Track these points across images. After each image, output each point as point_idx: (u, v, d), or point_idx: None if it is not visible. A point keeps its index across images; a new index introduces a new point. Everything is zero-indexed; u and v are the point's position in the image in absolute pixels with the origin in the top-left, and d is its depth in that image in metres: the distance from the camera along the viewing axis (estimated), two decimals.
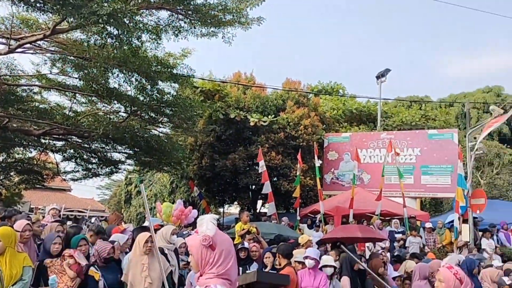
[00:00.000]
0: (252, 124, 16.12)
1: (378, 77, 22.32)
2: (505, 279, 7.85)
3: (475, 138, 13.71)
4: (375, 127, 21.88)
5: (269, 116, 16.43)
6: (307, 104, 18.47)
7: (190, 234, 4.02)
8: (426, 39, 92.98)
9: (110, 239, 5.84)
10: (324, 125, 19.48)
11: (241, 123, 16.63)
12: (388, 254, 11.04)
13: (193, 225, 11.34)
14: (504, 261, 10.79)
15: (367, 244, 11.04)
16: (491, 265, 9.03)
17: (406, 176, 16.43)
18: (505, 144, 29.76)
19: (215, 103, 16.63)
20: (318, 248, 8.10)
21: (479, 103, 32.06)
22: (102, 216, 23.94)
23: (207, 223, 2.37)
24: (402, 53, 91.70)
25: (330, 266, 6.08)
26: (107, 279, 5.11)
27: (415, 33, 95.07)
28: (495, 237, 12.98)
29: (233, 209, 26.76)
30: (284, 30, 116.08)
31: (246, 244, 7.10)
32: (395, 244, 12.00)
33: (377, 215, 12.77)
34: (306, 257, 5.96)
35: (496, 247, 12.41)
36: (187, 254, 6.23)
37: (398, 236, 12.33)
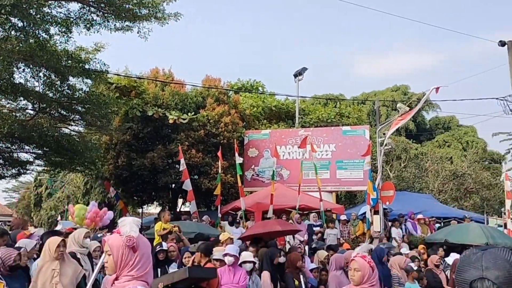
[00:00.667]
0: (171, 121, 15.81)
1: (295, 75, 22.89)
2: (412, 265, 8.44)
3: (384, 134, 14.58)
4: (293, 124, 22.48)
5: (189, 114, 16.21)
6: (227, 102, 18.51)
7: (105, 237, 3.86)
8: (340, 40, 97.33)
9: (16, 245, 5.44)
10: (244, 123, 19.64)
11: (159, 120, 16.24)
12: (307, 247, 11.45)
13: (109, 227, 10.90)
14: (411, 249, 11.62)
15: (287, 239, 11.36)
16: (400, 253, 9.67)
17: (322, 171, 17.06)
18: (411, 140, 32.11)
19: (131, 100, 16.07)
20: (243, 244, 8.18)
21: (388, 101, 34.19)
22: (9, 221, 22.29)
23: (130, 225, 2.31)
24: (318, 52, 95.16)
25: (250, 261, 6.14)
26: None
27: (330, 34, 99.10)
28: (403, 226, 13.89)
29: (153, 209, 26.13)
30: (203, 27, 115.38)
31: (164, 246, 6.95)
32: (314, 237, 12.42)
33: (296, 209, 13.12)
34: (225, 254, 5.97)
35: (404, 235, 13.30)
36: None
37: (316, 229, 12.76)
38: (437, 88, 12.95)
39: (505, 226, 16.55)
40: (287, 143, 18.39)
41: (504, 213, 18.35)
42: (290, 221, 12.55)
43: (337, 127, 19.54)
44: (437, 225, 15.57)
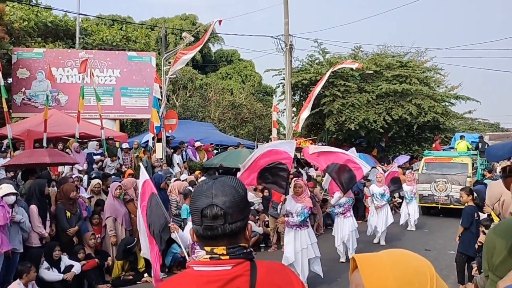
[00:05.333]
0: None
1: None
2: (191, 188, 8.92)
3: (169, 62, 14.55)
4: (73, 44, 20.47)
5: None
6: None
7: None
8: None
9: None
10: (13, 38, 16.97)
11: None
12: (86, 176, 11.02)
13: None
14: (191, 173, 12.31)
15: (60, 169, 10.69)
16: (179, 179, 10.14)
17: (105, 98, 16.28)
18: (197, 70, 33.04)
19: None
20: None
21: (176, 29, 33.95)
22: None
23: None
24: None
25: (12, 194, 5.54)
26: None
27: None
28: (184, 153, 14.52)
29: None
30: None
31: None
32: (94, 166, 11.98)
33: (75, 138, 12.31)
34: None
35: (184, 162, 13.95)
36: None
37: (96, 158, 12.32)
38: (220, 21, 13.41)
39: None
40: (65, 65, 16.75)
41: (271, 140, 20.95)
42: (68, 150, 11.79)
43: (122, 52, 18.65)
44: (215, 151, 16.78)
